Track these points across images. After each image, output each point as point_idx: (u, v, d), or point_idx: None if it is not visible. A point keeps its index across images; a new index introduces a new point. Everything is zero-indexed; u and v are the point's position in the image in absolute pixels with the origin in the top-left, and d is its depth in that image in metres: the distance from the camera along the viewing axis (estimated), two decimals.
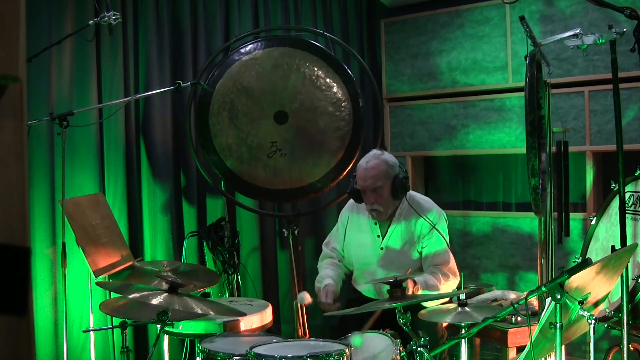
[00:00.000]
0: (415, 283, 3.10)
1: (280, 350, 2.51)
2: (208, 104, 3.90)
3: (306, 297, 3.39)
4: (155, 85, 3.98)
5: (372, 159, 3.27)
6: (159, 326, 2.53)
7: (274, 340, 2.66)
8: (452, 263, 3.27)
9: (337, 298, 3.29)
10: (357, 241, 3.42)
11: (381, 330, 2.75)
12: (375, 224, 3.35)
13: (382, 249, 3.33)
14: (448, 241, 3.28)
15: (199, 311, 2.60)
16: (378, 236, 3.34)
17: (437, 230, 3.22)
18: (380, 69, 4.89)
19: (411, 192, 3.38)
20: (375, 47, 5.01)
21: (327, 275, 3.39)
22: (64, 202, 3.13)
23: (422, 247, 3.29)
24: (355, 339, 2.84)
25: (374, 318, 3.01)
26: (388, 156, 3.30)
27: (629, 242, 2.80)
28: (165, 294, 2.59)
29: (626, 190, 3.01)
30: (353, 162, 3.92)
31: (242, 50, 3.95)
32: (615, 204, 3.05)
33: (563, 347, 2.27)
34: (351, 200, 3.49)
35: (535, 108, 3.05)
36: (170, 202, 4.11)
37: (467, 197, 4.85)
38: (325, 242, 3.61)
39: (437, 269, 3.24)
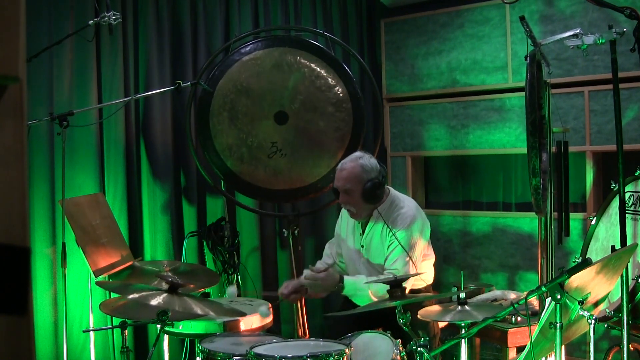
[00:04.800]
0: (340, 286, 3.19)
1: (280, 350, 2.51)
2: (208, 104, 3.90)
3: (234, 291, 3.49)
4: (155, 85, 3.98)
5: (349, 162, 3.31)
6: (159, 326, 2.53)
7: (274, 340, 2.66)
8: (405, 269, 3.20)
9: (300, 290, 3.33)
10: (345, 237, 3.48)
11: (381, 330, 2.75)
12: (359, 222, 3.39)
13: (362, 246, 3.37)
14: (409, 248, 3.21)
15: (199, 311, 2.60)
16: (360, 234, 3.39)
17: (402, 246, 3.19)
18: (380, 69, 4.89)
19: (394, 193, 3.38)
20: (375, 47, 5.01)
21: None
22: (64, 202, 3.13)
23: (387, 249, 3.28)
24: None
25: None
26: (367, 160, 3.30)
27: (629, 242, 2.80)
28: (165, 294, 2.58)
29: (626, 190, 3.01)
30: None
31: (242, 50, 3.95)
32: (615, 204, 3.05)
33: (563, 347, 2.27)
34: None
35: (536, 108, 3.05)
36: (170, 202, 4.11)
37: (467, 197, 4.85)
38: (330, 240, 3.71)
39: (383, 274, 3.21)
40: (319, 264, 3.50)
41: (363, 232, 3.37)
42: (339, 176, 3.30)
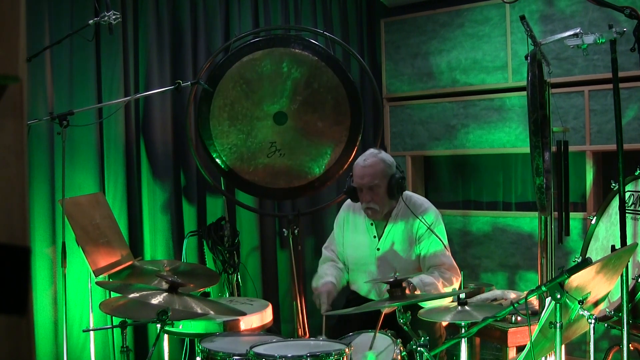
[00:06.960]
0: (409, 284, 3.05)
1: (280, 349, 2.51)
2: (208, 104, 3.90)
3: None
4: (155, 85, 3.98)
5: (370, 157, 3.26)
6: (159, 326, 2.53)
7: (274, 340, 2.66)
8: (451, 262, 3.26)
9: (334, 301, 3.24)
10: (353, 242, 3.41)
11: (381, 330, 2.75)
12: (372, 224, 3.34)
13: (378, 249, 3.32)
14: (446, 242, 3.26)
15: (199, 311, 2.60)
16: (374, 237, 3.33)
17: (433, 232, 3.21)
18: (380, 68, 4.89)
19: (407, 192, 3.37)
20: (375, 47, 5.01)
21: (326, 274, 3.35)
22: (64, 201, 3.13)
23: (419, 249, 3.28)
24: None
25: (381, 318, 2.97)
26: (385, 155, 3.29)
27: (629, 241, 2.80)
28: (165, 294, 2.59)
29: (626, 190, 3.01)
30: (350, 160, 3.95)
31: (242, 50, 3.95)
32: (615, 203, 3.05)
33: (563, 346, 2.27)
34: (348, 202, 3.48)
35: (538, 107, 3.05)
36: (170, 201, 4.11)
37: (467, 197, 4.85)
38: (325, 245, 3.60)
39: (436, 269, 3.23)
40: (328, 275, 3.33)
41: (382, 234, 3.31)
42: (363, 173, 3.23)
